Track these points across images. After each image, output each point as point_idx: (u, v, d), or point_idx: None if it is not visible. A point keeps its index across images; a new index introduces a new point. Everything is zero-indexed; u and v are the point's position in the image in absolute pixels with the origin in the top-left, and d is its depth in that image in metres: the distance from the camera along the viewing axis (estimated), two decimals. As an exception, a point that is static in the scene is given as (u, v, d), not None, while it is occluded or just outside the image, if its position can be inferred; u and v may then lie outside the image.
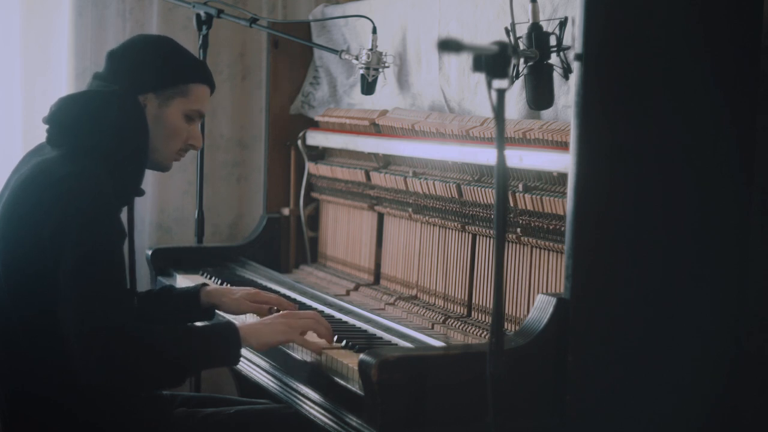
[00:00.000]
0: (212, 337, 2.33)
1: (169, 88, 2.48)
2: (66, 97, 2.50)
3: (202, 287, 2.72)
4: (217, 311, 2.74)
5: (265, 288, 3.09)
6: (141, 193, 2.49)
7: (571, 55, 2.35)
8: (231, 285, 3.06)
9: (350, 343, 2.42)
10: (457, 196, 2.75)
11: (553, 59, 2.38)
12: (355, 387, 2.19)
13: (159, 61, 2.49)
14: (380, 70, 3.07)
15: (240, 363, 2.69)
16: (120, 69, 2.46)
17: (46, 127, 2.44)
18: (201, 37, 3.41)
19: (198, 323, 2.66)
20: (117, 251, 2.29)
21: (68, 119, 2.41)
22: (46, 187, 2.29)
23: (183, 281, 3.24)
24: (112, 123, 2.39)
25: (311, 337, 2.44)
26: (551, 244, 2.42)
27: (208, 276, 3.26)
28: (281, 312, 2.50)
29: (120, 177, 2.38)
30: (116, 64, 2.48)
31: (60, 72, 3.72)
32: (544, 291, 2.41)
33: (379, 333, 2.55)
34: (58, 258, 2.23)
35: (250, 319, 2.70)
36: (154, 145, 2.48)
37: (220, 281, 3.14)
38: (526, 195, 2.46)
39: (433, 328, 2.69)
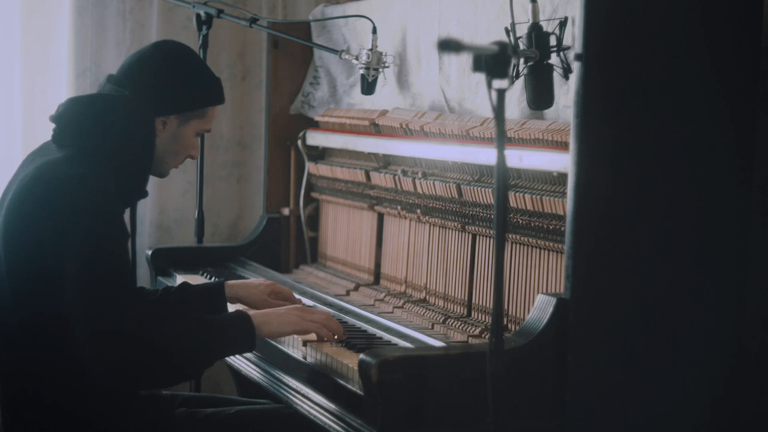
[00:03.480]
0: (227, 328, 2.35)
1: (189, 111, 2.50)
2: (75, 98, 2.50)
3: (224, 281, 2.75)
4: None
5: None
6: (145, 195, 2.50)
7: (571, 55, 2.35)
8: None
9: (350, 343, 2.42)
10: (457, 196, 2.75)
11: (553, 59, 2.38)
12: (355, 387, 2.19)
13: (185, 86, 2.50)
14: (380, 70, 3.07)
15: (239, 362, 2.70)
16: (141, 83, 2.45)
17: (49, 126, 2.44)
18: (201, 37, 3.41)
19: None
20: (122, 252, 2.30)
21: (76, 120, 2.42)
22: (51, 188, 2.29)
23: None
24: (119, 127, 2.40)
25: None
26: (551, 244, 2.42)
27: (208, 276, 3.26)
28: (296, 305, 2.51)
29: (124, 179, 2.39)
30: (138, 75, 2.47)
31: (60, 72, 3.71)
32: (544, 291, 2.41)
33: (379, 333, 2.55)
34: (61, 259, 2.23)
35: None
36: (163, 159, 2.51)
37: (220, 281, 3.14)
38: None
39: (433, 328, 2.69)
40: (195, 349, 2.30)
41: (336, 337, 2.44)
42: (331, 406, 2.28)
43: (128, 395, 2.39)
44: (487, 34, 2.67)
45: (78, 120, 2.41)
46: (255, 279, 2.87)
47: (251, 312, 2.41)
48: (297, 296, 2.98)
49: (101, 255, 2.23)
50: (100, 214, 2.26)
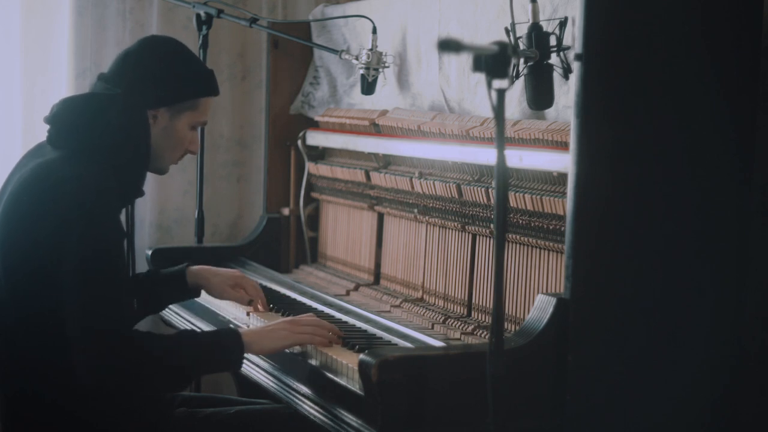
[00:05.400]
0: (216, 344, 2.35)
1: (181, 103, 2.48)
2: (69, 98, 2.49)
3: (187, 267, 2.75)
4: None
5: (265, 288, 3.09)
6: (141, 194, 2.50)
7: (571, 55, 2.35)
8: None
9: (350, 343, 2.42)
10: (457, 196, 2.75)
11: (553, 59, 2.38)
12: (355, 387, 2.19)
13: (173, 77, 2.48)
14: (380, 70, 3.07)
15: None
16: (131, 78, 2.44)
17: (47, 127, 2.44)
18: (201, 37, 3.41)
19: (203, 329, 2.67)
20: (119, 252, 2.30)
21: (70, 120, 2.41)
22: (47, 189, 2.29)
23: (183, 281, 3.23)
24: (115, 125, 2.39)
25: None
26: (551, 244, 2.42)
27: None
28: (285, 319, 2.51)
29: (121, 178, 2.38)
30: (127, 71, 2.45)
31: (60, 72, 3.71)
32: (544, 291, 2.42)
33: (379, 333, 2.55)
34: (58, 259, 2.23)
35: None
36: (159, 154, 2.49)
37: (220, 281, 3.14)
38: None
39: (433, 328, 2.69)
40: (181, 362, 2.29)
41: (331, 342, 2.43)
42: (331, 405, 2.27)
43: (128, 395, 2.39)
44: (487, 34, 2.67)
45: (73, 120, 2.41)
46: (223, 270, 2.83)
47: (242, 330, 2.40)
48: (295, 296, 2.98)
49: (98, 255, 2.23)
50: (96, 214, 2.26)
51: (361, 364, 2.08)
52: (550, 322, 2.14)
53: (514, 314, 2.53)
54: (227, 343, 2.34)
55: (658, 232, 2.21)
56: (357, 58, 3.10)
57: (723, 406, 2.31)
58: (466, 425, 2.09)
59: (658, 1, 2.19)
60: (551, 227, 2.42)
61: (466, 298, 2.73)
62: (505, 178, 1.85)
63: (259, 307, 2.79)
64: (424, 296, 2.90)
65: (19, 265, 2.30)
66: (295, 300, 2.96)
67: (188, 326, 2.97)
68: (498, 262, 1.85)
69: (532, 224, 2.47)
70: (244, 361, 2.64)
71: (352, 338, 2.47)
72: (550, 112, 2.49)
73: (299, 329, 2.42)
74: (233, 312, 2.88)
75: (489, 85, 1.80)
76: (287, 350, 2.51)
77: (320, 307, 2.85)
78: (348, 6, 3.44)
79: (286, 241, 3.61)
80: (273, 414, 2.58)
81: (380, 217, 3.17)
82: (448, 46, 1.77)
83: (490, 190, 2.62)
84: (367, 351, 2.11)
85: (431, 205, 2.87)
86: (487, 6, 2.67)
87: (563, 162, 2.29)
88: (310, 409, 2.35)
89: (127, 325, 2.23)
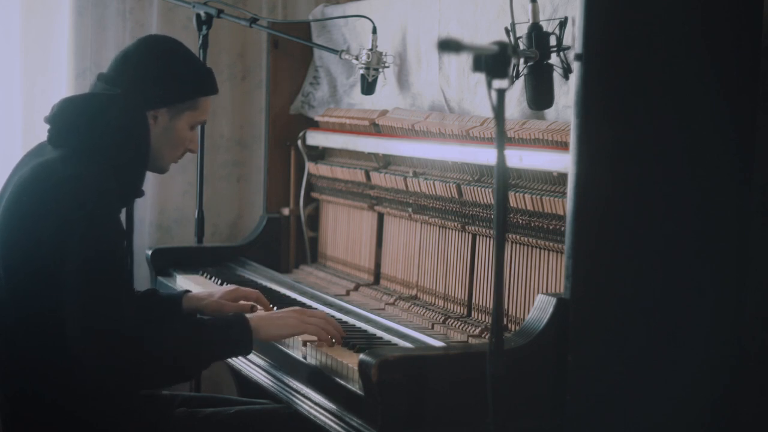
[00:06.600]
0: (223, 331, 2.34)
1: (180, 103, 2.48)
2: (69, 98, 2.50)
3: (184, 293, 2.74)
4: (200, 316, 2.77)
5: (265, 288, 3.10)
6: (141, 194, 2.50)
7: (571, 55, 2.35)
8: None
9: (350, 343, 2.42)
10: (457, 196, 2.75)
11: (553, 59, 2.38)
12: (355, 387, 2.19)
13: (172, 78, 2.48)
14: (380, 70, 3.07)
15: (239, 363, 2.70)
16: (130, 78, 2.44)
17: (47, 127, 2.44)
18: (201, 37, 3.41)
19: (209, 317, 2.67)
20: (121, 253, 2.30)
21: (70, 120, 2.41)
22: (48, 188, 2.29)
23: (183, 281, 3.24)
24: (115, 125, 2.39)
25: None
26: (551, 244, 2.42)
27: (208, 276, 3.26)
28: (294, 308, 2.51)
29: (121, 178, 2.38)
30: (127, 71, 2.45)
31: (60, 72, 3.72)
32: (544, 291, 2.42)
33: (379, 333, 2.55)
34: (60, 259, 2.23)
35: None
36: (160, 153, 2.49)
37: (220, 281, 3.14)
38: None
39: (433, 328, 2.69)
40: (190, 351, 2.30)
41: (334, 340, 2.44)
42: (331, 406, 2.28)
43: (128, 395, 2.40)
44: (487, 34, 2.67)
45: (73, 120, 2.41)
46: (218, 288, 2.83)
47: (249, 315, 2.40)
48: (295, 296, 2.98)
49: (100, 255, 2.23)
50: (97, 213, 2.26)
51: (361, 364, 2.08)
52: (550, 322, 2.14)
53: (514, 314, 2.53)
54: (235, 329, 2.34)
55: (658, 232, 2.21)
56: (357, 58, 3.10)
57: (723, 406, 2.31)
58: (466, 425, 2.09)
59: (658, 1, 2.19)
60: (551, 227, 2.42)
61: (466, 298, 2.73)
62: (505, 178, 1.85)
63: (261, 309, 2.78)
64: (424, 296, 2.90)
65: (20, 265, 2.31)
66: (295, 300, 2.95)
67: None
68: (498, 262, 1.85)
69: (532, 224, 2.47)
70: (245, 360, 2.64)
71: (352, 338, 2.47)
72: (550, 112, 2.49)
73: (308, 320, 2.42)
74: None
75: (489, 85, 1.80)
76: (287, 350, 2.51)
77: (320, 307, 2.84)
78: (348, 6, 3.44)
79: (286, 241, 3.61)
80: (273, 414, 2.58)
81: (380, 217, 3.17)
82: (448, 46, 1.77)
83: (490, 190, 2.62)
84: (367, 351, 2.11)
85: (431, 205, 2.87)
86: (487, 6, 2.67)
87: (563, 162, 2.29)
88: (310, 409, 2.35)
89: (128, 325, 2.22)
